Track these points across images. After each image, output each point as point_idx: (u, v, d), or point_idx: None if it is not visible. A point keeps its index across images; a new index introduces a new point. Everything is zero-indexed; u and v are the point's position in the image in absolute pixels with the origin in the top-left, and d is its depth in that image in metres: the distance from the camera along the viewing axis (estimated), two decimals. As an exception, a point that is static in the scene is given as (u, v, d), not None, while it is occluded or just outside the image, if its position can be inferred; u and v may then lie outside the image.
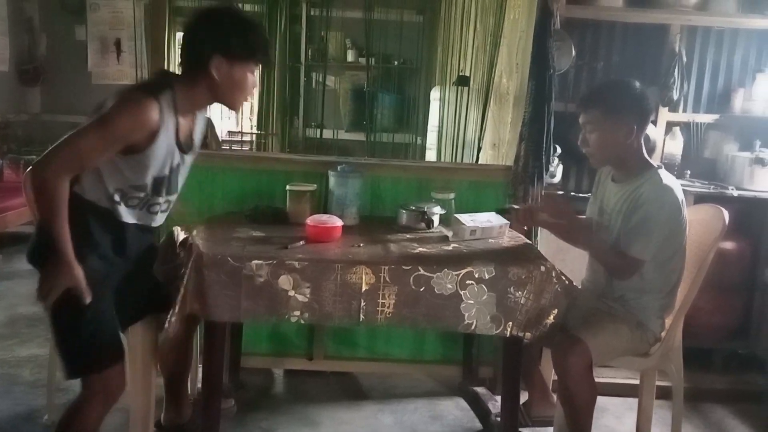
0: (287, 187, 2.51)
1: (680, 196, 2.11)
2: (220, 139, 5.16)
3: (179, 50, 1.83)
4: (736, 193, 3.01)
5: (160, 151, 1.78)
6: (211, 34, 1.77)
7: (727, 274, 2.66)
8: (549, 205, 2.31)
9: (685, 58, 3.28)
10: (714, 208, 2.30)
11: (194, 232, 2.16)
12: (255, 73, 1.88)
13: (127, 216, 1.84)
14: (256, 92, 5.89)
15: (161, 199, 1.90)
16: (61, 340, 1.80)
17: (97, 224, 1.79)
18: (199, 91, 1.83)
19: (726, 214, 2.21)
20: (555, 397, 2.38)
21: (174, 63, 5.75)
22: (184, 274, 1.92)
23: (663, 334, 2.22)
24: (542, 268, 2.05)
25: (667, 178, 2.13)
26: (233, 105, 1.92)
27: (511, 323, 2.03)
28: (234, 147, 5.81)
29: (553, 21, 2.72)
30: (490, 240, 2.36)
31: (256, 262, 1.93)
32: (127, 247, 1.88)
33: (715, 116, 3.38)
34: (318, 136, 5.60)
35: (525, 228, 2.73)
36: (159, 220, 1.96)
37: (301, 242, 2.14)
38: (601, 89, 2.29)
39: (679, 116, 3.36)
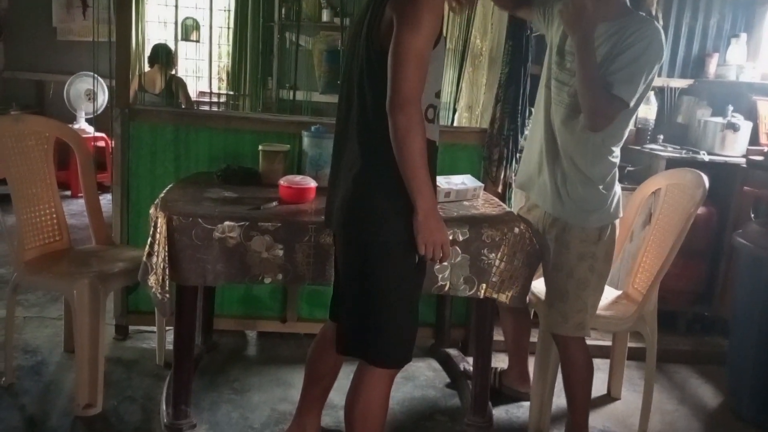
0: (260, 147, 2.47)
1: (662, 40, 1.92)
2: (192, 99, 5.04)
3: None
4: (707, 158, 3.04)
5: (441, 39, 1.62)
6: None
7: (694, 238, 2.69)
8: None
9: (661, 22, 3.27)
10: (693, 174, 2.31)
11: (164, 194, 2.12)
12: None
13: (436, 136, 1.69)
14: (228, 51, 5.78)
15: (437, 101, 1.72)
16: (387, 320, 1.65)
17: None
18: None
19: (706, 180, 2.22)
20: (531, 377, 2.43)
21: (143, 19, 5.62)
22: (153, 237, 1.89)
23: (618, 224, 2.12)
24: (516, 230, 2.05)
25: (650, 21, 1.98)
26: None
27: (484, 285, 2.04)
28: (205, 107, 5.68)
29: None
30: (464, 202, 2.36)
31: (228, 223, 1.90)
32: None
33: (689, 81, 3.40)
34: (291, 97, 5.50)
35: (499, 191, 2.75)
36: (437, 133, 1.73)
37: (274, 203, 2.11)
38: None
39: (654, 81, 3.36)
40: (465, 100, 3.15)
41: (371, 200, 1.61)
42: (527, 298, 2.15)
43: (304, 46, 5.77)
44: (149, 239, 1.93)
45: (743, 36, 3.33)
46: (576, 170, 2.02)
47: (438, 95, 1.67)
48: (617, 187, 2.08)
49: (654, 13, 3.21)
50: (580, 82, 1.90)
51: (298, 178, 2.27)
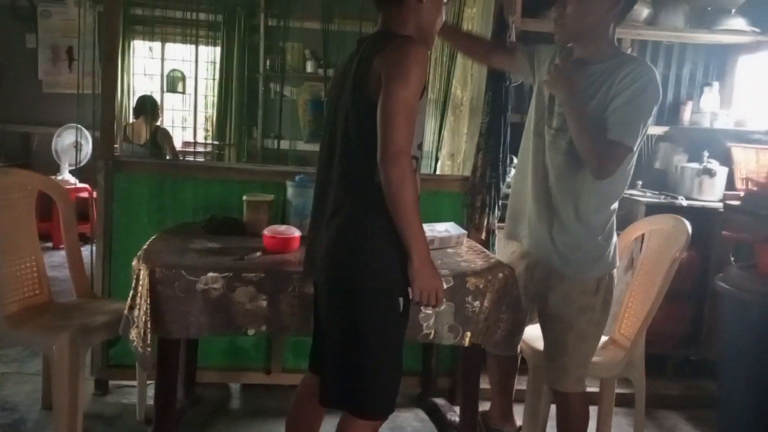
0: (244, 197, 2.47)
1: (657, 80, 1.87)
2: (177, 149, 5.07)
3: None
4: (685, 203, 3.09)
5: (424, 90, 1.65)
6: None
7: (679, 282, 2.71)
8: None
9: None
10: (676, 220, 2.33)
11: (147, 245, 2.11)
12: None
13: (417, 186, 1.68)
14: (214, 102, 5.85)
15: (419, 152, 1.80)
16: (373, 370, 1.64)
17: None
18: (408, 24, 1.67)
19: (689, 226, 2.24)
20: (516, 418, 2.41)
21: (129, 71, 5.69)
22: (135, 290, 1.87)
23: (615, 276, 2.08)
24: (500, 276, 2.06)
25: (642, 60, 1.97)
26: (430, 35, 1.76)
27: (469, 333, 2.04)
28: (190, 158, 5.71)
29: (509, 34, 2.76)
30: (448, 250, 2.37)
31: (211, 274, 1.89)
32: None
33: (665, 128, 3.48)
34: (276, 146, 5.57)
35: (482, 237, 2.77)
36: None
37: (258, 253, 2.11)
38: None
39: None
40: (447, 149, 3.20)
41: (355, 248, 1.62)
42: (519, 347, 2.14)
43: (288, 97, 5.87)
44: (131, 292, 1.91)
45: (716, 84, 3.44)
46: (576, 220, 1.96)
47: (420, 146, 1.71)
48: (614, 236, 2.02)
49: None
50: (576, 136, 1.86)
51: (282, 227, 2.27)
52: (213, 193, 2.73)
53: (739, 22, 3.27)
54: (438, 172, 3.17)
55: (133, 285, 1.92)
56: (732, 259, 2.80)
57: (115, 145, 4.25)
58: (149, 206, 2.71)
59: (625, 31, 3.27)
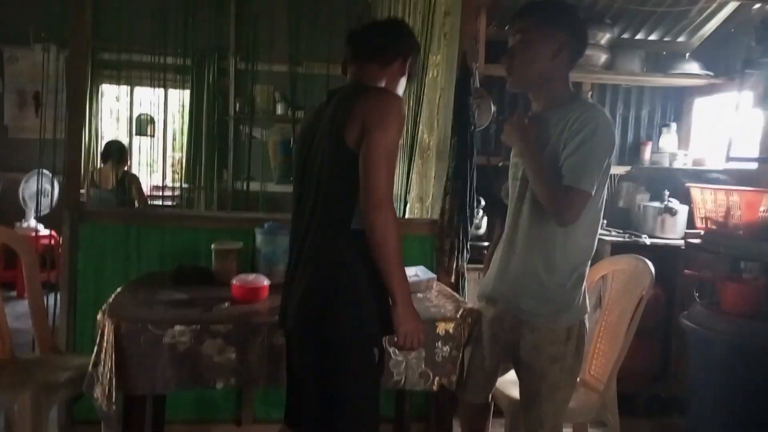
0: (212, 246, 2.46)
1: (610, 121, 1.87)
2: (146, 193, 5.03)
3: (364, 51, 1.78)
4: (648, 241, 3.16)
5: None
6: (406, 39, 1.84)
7: (645, 319, 2.75)
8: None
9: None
10: (639, 261, 2.36)
11: (112, 298, 2.08)
12: None
13: None
14: (183, 145, 5.84)
15: None
16: (350, 421, 1.64)
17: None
18: (380, 82, 1.77)
19: (652, 267, 2.28)
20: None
21: (97, 115, 5.66)
22: (99, 346, 1.84)
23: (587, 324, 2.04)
24: (469, 320, 2.07)
25: (593, 104, 1.99)
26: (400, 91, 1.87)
27: (438, 377, 2.04)
28: (160, 202, 5.66)
29: (473, 79, 2.83)
30: (418, 294, 2.38)
31: (178, 327, 1.87)
32: None
33: (627, 168, 3.58)
34: (246, 188, 5.57)
35: (452, 281, 2.79)
36: None
37: (227, 304, 2.09)
38: (540, 0, 2.01)
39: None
40: (416, 192, 3.24)
41: (331, 298, 1.62)
42: (490, 395, 2.14)
43: (259, 138, 5.89)
44: (96, 348, 1.88)
45: (674, 125, 3.56)
46: (544, 269, 1.91)
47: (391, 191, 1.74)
48: (583, 284, 1.97)
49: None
50: (534, 186, 1.87)
51: (251, 276, 2.26)
52: (181, 241, 2.71)
53: (693, 66, 3.42)
54: (407, 216, 3.19)
55: (98, 340, 1.88)
56: (696, 295, 2.86)
57: (82, 191, 4.24)
58: (115, 256, 2.68)
59: (584, 75, 3.40)
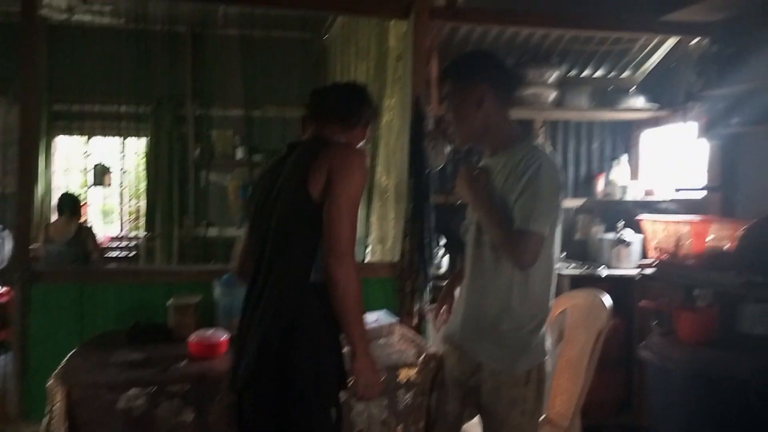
0: (168, 302, 2.42)
1: (555, 159, 1.86)
2: (103, 245, 4.93)
3: (327, 114, 1.80)
4: (605, 272, 3.22)
5: None
6: (368, 107, 1.88)
7: (606, 350, 2.79)
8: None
9: (549, 148, 3.56)
10: (596, 295, 2.39)
11: (65, 361, 2.02)
12: None
13: None
14: (141, 193, 5.77)
15: None
16: None
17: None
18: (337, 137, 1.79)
19: (608, 301, 2.31)
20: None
21: (50, 167, 5.56)
22: (50, 414, 1.78)
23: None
24: (432, 365, 2.07)
25: (536, 144, 1.92)
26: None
27: (402, 425, 2.02)
28: (117, 254, 5.56)
29: (426, 122, 2.88)
30: (380, 341, 2.37)
31: (133, 391, 1.83)
32: None
33: (582, 200, 3.66)
34: (207, 234, 5.53)
35: (414, 323, 2.79)
36: None
37: (185, 362, 2.05)
38: (454, 59, 2.04)
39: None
40: (376, 234, 3.25)
41: (289, 352, 1.59)
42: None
43: (219, 183, 5.86)
44: (47, 416, 1.82)
45: (624, 157, 3.66)
46: (503, 313, 1.89)
47: None
48: (543, 328, 1.92)
49: (542, 141, 3.53)
50: (491, 233, 1.88)
51: (209, 332, 2.23)
52: (138, 297, 2.66)
53: (638, 100, 3.54)
54: (368, 259, 3.20)
55: (48, 408, 1.82)
56: (654, 325, 2.91)
57: (37, 245, 4.13)
58: (69, 316, 2.61)
59: (535, 112, 3.49)
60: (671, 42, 3.47)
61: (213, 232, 5.59)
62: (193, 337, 2.16)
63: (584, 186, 3.72)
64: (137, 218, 5.88)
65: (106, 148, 5.84)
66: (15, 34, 2.69)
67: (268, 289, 1.65)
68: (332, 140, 1.72)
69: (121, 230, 5.68)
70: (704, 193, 3.17)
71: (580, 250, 3.53)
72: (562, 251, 3.44)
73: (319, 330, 1.60)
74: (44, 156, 5.39)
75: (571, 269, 3.27)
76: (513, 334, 1.90)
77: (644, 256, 3.30)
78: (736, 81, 2.87)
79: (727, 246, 2.67)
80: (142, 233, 5.65)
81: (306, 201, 1.61)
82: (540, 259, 1.81)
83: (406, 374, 2.03)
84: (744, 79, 2.84)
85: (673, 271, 2.81)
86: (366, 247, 3.24)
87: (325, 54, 5.07)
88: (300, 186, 1.62)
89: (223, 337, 2.19)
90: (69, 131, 5.67)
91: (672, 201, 3.39)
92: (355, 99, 1.86)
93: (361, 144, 1.87)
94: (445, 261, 3.27)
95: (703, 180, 3.20)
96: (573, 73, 3.70)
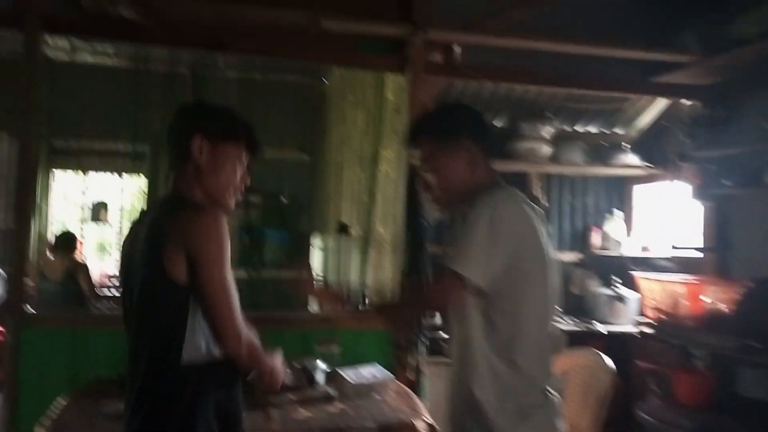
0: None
1: (511, 207, 1.65)
2: (97, 283, 4.88)
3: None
4: (603, 329, 3.21)
5: None
6: (193, 118, 1.65)
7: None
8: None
9: (545, 203, 3.60)
10: (598, 356, 2.36)
11: (53, 413, 1.98)
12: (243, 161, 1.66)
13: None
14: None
15: None
16: None
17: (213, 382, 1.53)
18: (193, 187, 1.58)
19: (611, 363, 2.28)
20: None
21: (48, 203, 5.55)
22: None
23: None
24: (426, 423, 2.04)
25: (500, 192, 1.68)
26: (221, 197, 1.62)
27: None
28: (111, 292, 5.51)
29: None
30: (375, 396, 2.34)
31: (122, 447, 1.78)
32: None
33: (578, 255, 3.67)
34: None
35: (410, 377, 2.76)
36: None
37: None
38: (427, 116, 1.85)
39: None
40: (372, 283, 3.23)
41: None
42: None
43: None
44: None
45: (618, 212, 3.69)
46: (489, 395, 1.63)
47: None
48: (535, 410, 1.64)
49: (537, 194, 3.57)
50: (407, 314, 1.82)
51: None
52: (131, 343, 2.62)
53: (632, 157, 3.59)
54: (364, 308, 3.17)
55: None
56: (652, 386, 2.88)
57: (31, 284, 4.09)
58: (61, 361, 2.56)
59: (530, 166, 3.53)
60: (664, 102, 3.54)
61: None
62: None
63: (580, 240, 3.73)
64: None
65: (104, 184, 5.84)
66: (16, 70, 2.70)
67: (139, 378, 1.51)
68: (185, 199, 1.55)
69: (117, 268, 5.62)
70: (700, 253, 3.19)
71: (577, 305, 3.53)
72: (558, 306, 3.45)
73: (198, 419, 1.47)
74: (42, 190, 5.38)
75: (570, 326, 3.25)
76: (498, 418, 1.60)
77: (640, 312, 3.29)
78: (727, 144, 2.92)
79: (724, 308, 2.68)
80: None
81: (166, 284, 1.45)
82: (523, 343, 1.59)
83: (400, 435, 2.00)
84: (735, 142, 2.89)
85: (671, 331, 2.80)
86: (363, 296, 3.22)
87: (323, 99, 5.13)
88: (156, 269, 1.45)
89: (217, 390, 2.15)
90: (67, 166, 5.68)
91: (667, 259, 3.41)
92: (181, 117, 1.67)
93: (233, 184, 1.62)
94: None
95: (698, 239, 3.22)
96: (566, 127, 3.76)
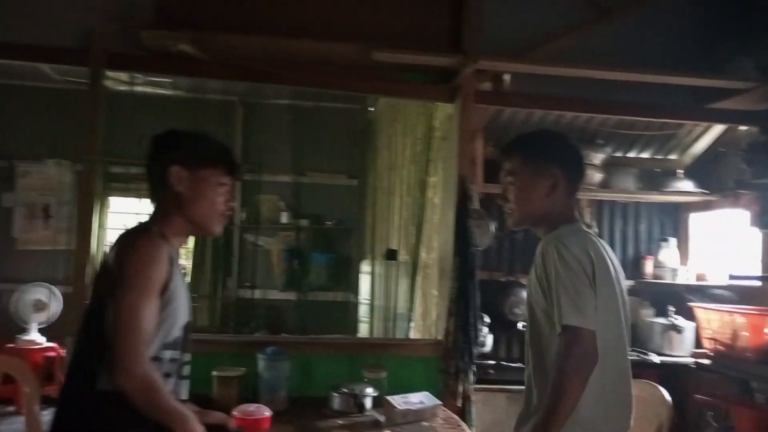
0: (213, 372, 2.43)
1: (572, 247, 1.66)
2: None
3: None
4: (658, 359, 3.12)
5: (179, 284, 1.56)
6: (168, 148, 1.66)
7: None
8: None
9: (596, 229, 3.54)
10: (655, 389, 2.28)
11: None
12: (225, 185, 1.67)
13: (183, 393, 1.65)
14: (190, 255, 5.88)
15: (187, 357, 1.68)
16: None
17: (137, 420, 1.45)
18: (173, 214, 1.61)
19: (668, 396, 2.21)
20: None
21: (104, 228, 5.75)
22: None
23: None
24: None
25: (565, 230, 1.74)
26: (205, 223, 1.64)
27: None
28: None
29: (471, 201, 2.90)
30: (423, 423, 2.33)
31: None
32: None
33: (631, 282, 3.58)
34: (251, 296, 5.60)
35: (458, 405, 2.73)
36: (186, 390, 1.70)
37: (228, 436, 2.03)
38: (526, 134, 1.95)
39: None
40: (420, 310, 3.23)
41: None
42: None
43: (263, 246, 5.97)
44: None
45: (672, 240, 3.59)
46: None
47: (174, 346, 1.59)
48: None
49: (588, 221, 3.51)
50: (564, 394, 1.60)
51: (252, 407, 2.21)
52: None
53: (687, 184, 3.50)
54: (412, 334, 3.18)
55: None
56: (710, 418, 2.78)
57: (86, 303, 4.22)
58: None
59: (581, 193, 3.47)
60: (720, 128, 3.46)
61: (255, 294, 5.66)
62: (236, 412, 2.15)
63: (633, 268, 3.65)
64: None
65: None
66: (74, 100, 2.83)
67: (59, 401, 1.52)
68: (143, 225, 1.58)
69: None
70: (759, 282, 3.08)
71: (631, 334, 3.43)
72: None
73: None
74: (98, 216, 5.57)
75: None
76: None
77: (697, 343, 3.19)
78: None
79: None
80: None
81: (95, 306, 1.49)
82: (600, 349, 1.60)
83: (450, 463, 1.98)
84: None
85: (730, 364, 2.70)
86: (410, 322, 3.22)
87: (371, 124, 5.20)
88: (94, 291, 1.51)
89: (267, 413, 2.18)
90: (123, 193, 5.89)
91: (726, 287, 3.30)
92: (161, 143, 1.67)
93: (216, 210, 1.64)
94: (490, 340, 3.22)
95: (756, 267, 3.11)
96: (618, 154, 3.70)
